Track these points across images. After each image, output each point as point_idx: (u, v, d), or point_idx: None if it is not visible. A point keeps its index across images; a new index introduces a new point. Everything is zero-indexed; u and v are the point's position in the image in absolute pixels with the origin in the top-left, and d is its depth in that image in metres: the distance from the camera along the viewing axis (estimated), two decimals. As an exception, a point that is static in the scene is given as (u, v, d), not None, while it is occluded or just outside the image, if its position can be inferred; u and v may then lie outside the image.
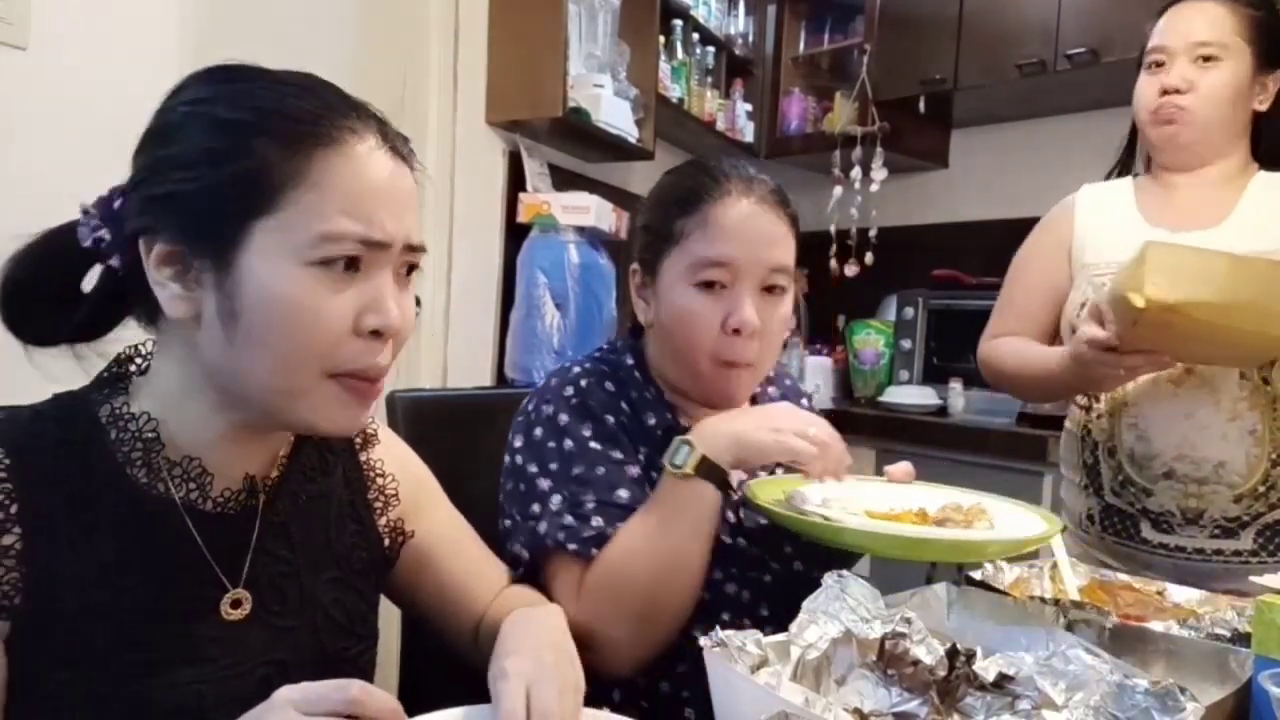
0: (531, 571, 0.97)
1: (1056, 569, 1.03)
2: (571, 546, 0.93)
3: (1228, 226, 1.30)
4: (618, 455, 0.99)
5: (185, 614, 0.68)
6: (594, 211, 2.21)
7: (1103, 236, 1.39)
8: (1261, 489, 1.23)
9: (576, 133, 2.29)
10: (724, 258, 0.98)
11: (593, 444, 0.98)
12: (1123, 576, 1.04)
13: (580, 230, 2.25)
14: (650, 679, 0.98)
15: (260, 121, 0.64)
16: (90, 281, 0.70)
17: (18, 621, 0.62)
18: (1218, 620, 0.88)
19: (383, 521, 0.85)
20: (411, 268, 0.71)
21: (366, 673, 0.80)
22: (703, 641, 0.67)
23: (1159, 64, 1.32)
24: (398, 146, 0.69)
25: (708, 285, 0.99)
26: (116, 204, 0.67)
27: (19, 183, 1.27)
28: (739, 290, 0.98)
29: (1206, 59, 1.28)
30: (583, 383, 1.03)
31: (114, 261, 0.68)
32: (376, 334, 0.67)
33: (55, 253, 0.69)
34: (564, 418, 1.00)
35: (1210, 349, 1.19)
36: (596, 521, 0.94)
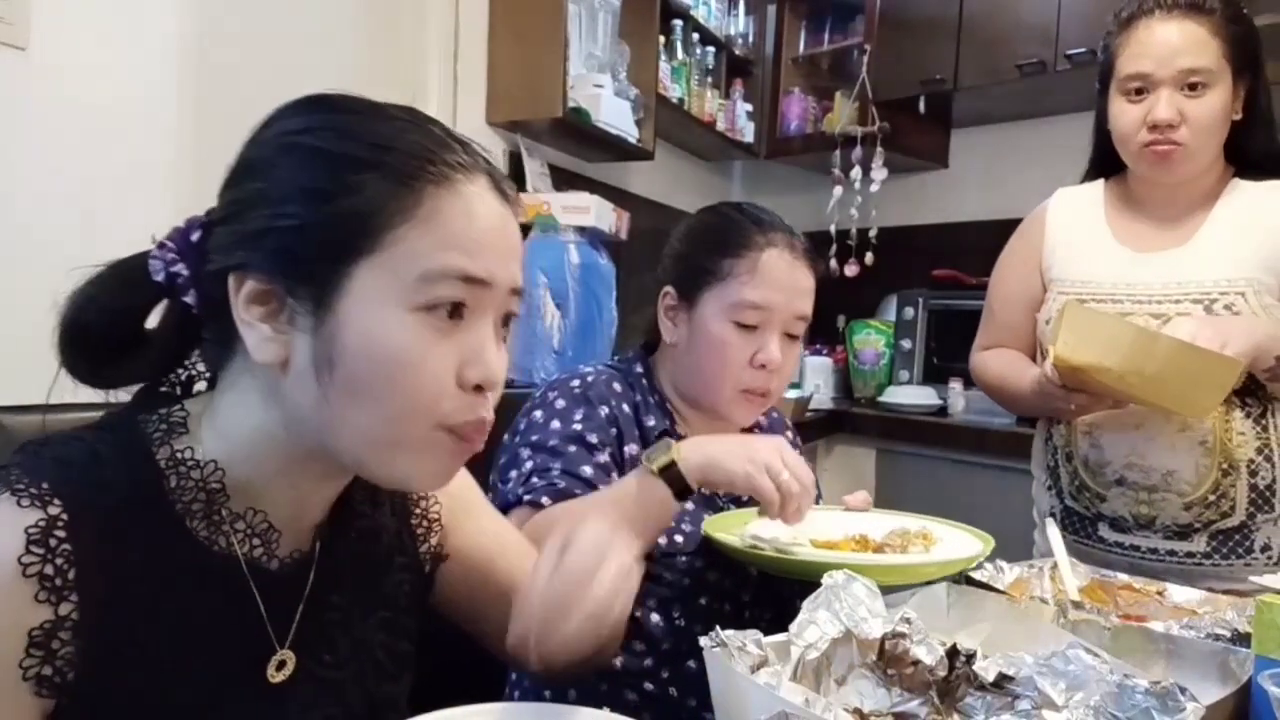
0: None
1: (1056, 569, 1.03)
2: (528, 497, 1.01)
3: (1192, 247, 1.30)
4: (594, 439, 1.07)
5: (235, 682, 0.63)
6: (594, 211, 2.21)
7: (1070, 252, 1.39)
8: (1212, 498, 1.25)
9: (576, 133, 2.29)
10: (766, 304, 1.10)
11: (576, 425, 1.07)
12: (1123, 576, 1.04)
13: (580, 230, 2.25)
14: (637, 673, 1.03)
15: (371, 156, 0.60)
16: (154, 319, 0.66)
17: (66, 699, 0.57)
18: (1218, 620, 0.88)
19: (424, 548, 0.80)
20: (509, 316, 0.67)
21: (399, 707, 0.74)
22: (703, 641, 0.67)
23: (1140, 91, 1.26)
24: (505, 190, 0.65)
25: (743, 324, 1.10)
26: (194, 236, 0.63)
27: (19, 183, 1.27)
28: (769, 331, 1.11)
29: (1193, 86, 1.23)
30: (590, 378, 1.13)
31: (188, 298, 0.63)
32: (478, 388, 0.63)
33: (123, 288, 0.64)
34: (561, 402, 1.10)
35: (1128, 400, 1.22)
36: (552, 481, 1.02)
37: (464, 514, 0.84)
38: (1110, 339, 1.11)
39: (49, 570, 0.56)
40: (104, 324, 0.63)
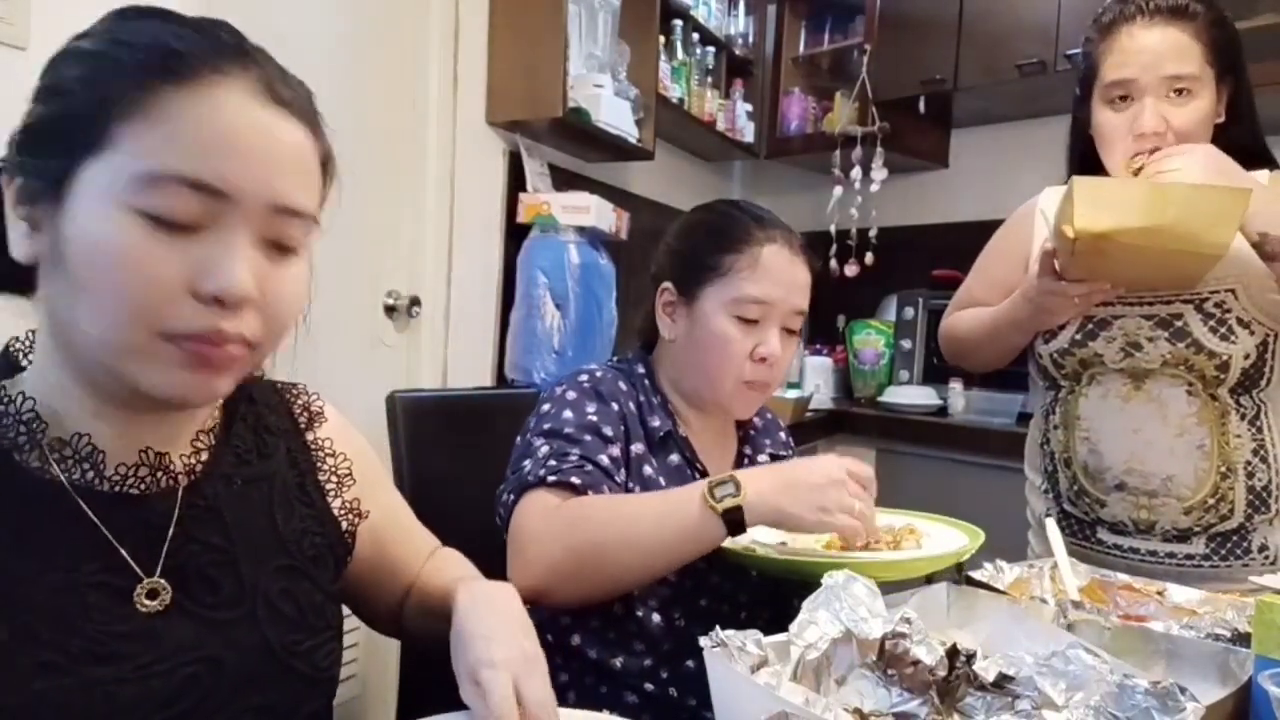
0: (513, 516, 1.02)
1: (1056, 569, 1.03)
2: (552, 479, 0.99)
3: None
4: (608, 432, 1.07)
5: (92, 607, 0.62)
6: (594, 211, 2.21)
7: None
8: (1211, 501, 1.24)
9: (576, 133, 2.29)
10: (767, 298, 1.11)
11: (591, 416, 1.08)
12: (1123, 576, 1.04)
13: (580, 230, 2.25)
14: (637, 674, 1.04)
15: (108, 50, 0.60)
16: None
17: None
18: (1218, 620, 0.88)
19: (337, 504, 0.81)
20: (288, 242, 0.63)
21: (325, 669, 0.74)
22: (703, 641, 0.67)
23: (1124, 98, 1.24)
24: (280, 92, 0.62)
25: (744, 319, 1.11)
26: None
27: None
28: (769, 326, 1.12)
29: (1178, 92, 1.22)
30: (599, 374, 1.15)
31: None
32: (220, 302, 0.60)
33: None
34: (572, 394, 1.11)
35: (1145, 273, 1.21)
36: (578, 464, 1.01)
37: (376, 480, 0.86)
38: (1125, 199, 1.12)
39: None
40: None
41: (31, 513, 0.62)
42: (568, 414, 1.07)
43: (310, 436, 0.81)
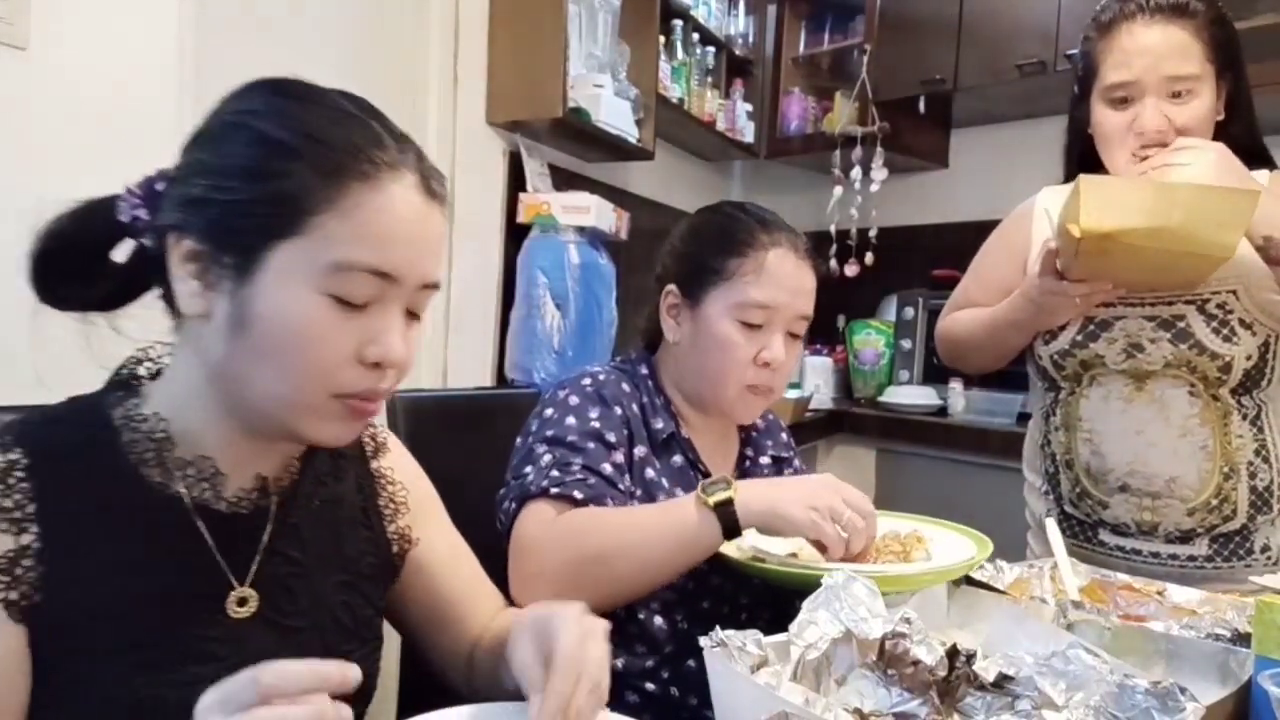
0: (514, 526, 1.02)
1: (1056, 569, 1.03)
2: (555, 490, 1.00)
3: None
4: (611, 438, 1.07)
5: (193, 613, 0.69)
6: (594, 211, 2.21)
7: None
8: (1214, 502, 1.24)
9: (576, 133, 2.29)
10: (771, 303, 1.10)
11: (594, 423, 1.07)
12: (1123, 576, 1.04)
13: (580, 230, 2.24)
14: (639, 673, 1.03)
15: (303, 146, 0.65)
16: (121, 254, 0.73)
17: (37, 620, 0.64)
18: (1218, 620, 0.88)
19: (392, 528, 0.86)
20: (420, 310, 0.73)
21: (370, 676, 0.81)
22: (703, 641, 0.67)
23: (1125, 99, 1.24)
24: (434, 187, 0.71)
25: (748, 323, 1.10)
26: (159, 187, 0.70)
27: (19, 183, 1.27)
28: (773, 330, 1.12)
29: (1178, 93, 1.21)
30: (601, 376, 1.14)
31: (146, 240, 0.70)
32: (377, 365, 0.69)
33: (93, 221, 0.71)
34: (575, 399, 1.10)
35: (1149, 274, 1.21)
36: (580, 476, 1.01)
37: (431, 513, 0.92)
38: (1131, 199, 1.10)
39: (8, 504, 0.64)
40: (68, 248, 0.71)
41: (149, 522, 0.68)
42: (571, 420, 1.07)
43: (375, 464, 0.88)
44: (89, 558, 0.66)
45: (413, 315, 0.72)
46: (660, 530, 0.95)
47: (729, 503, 0.93)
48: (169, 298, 0.71)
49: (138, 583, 0.67)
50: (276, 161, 0.65)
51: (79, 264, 0.71)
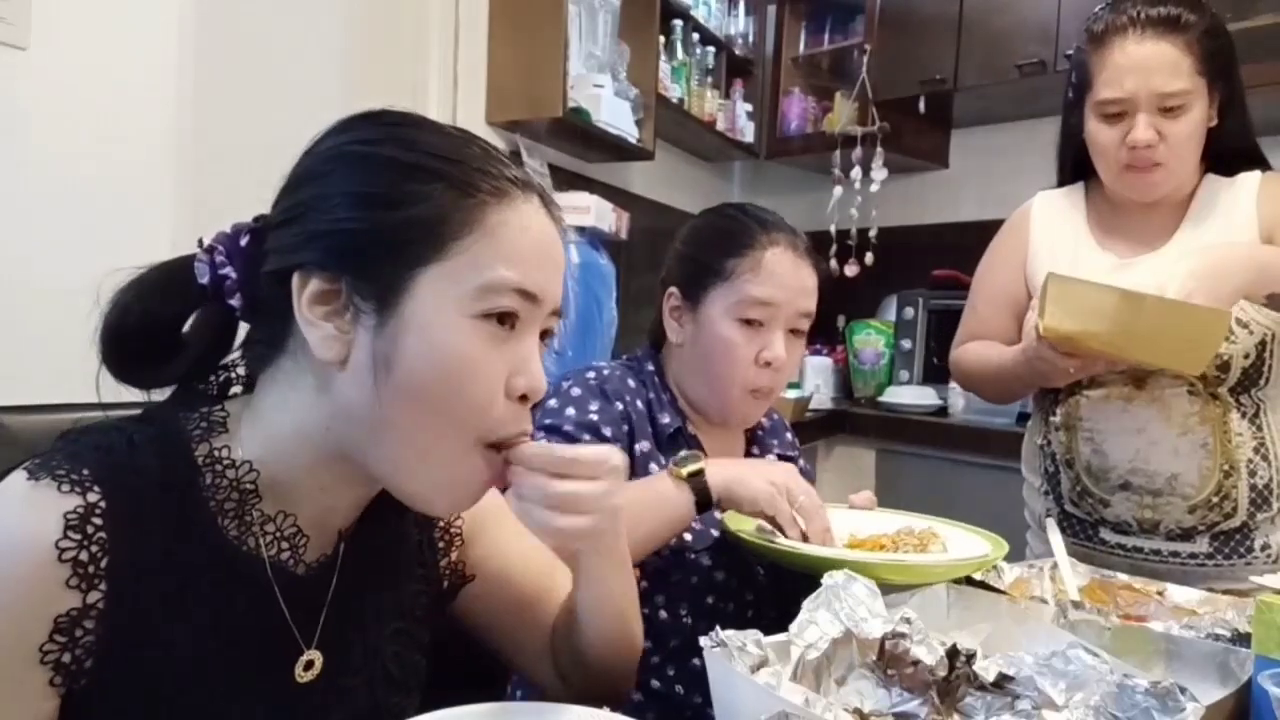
0: None
1: (1056, 569, 1.03)
2: None
3: (1173, 247, 1.31)
4: (607, 432, 1.07)
5: (260, 682, 0.64)
6: (594, 211, 2.21)
7: (1054, 255, 1.38)
8: (1215, 499, 1.25)
9: (576, 133, 2.29)
10: (771, 300, 1.10)
11: (592, 415, 1.08)
12: (1122, 576, 1.04)
13: (580, 230, 2.25)
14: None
15: (440, 167, 0.62)
16: (188, 324, 0.67)
17: (79, 686, 0.57)
18: (1218, 620, 0.88)
19: (444, 562, 0.80)
20: (547, 333, 0.69)
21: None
22: (703, 641, 0.67)
23: (1117, 115, 1.24)
24: (553, 210, 0.68)
25: (748, 321, 1.11)
26: (243, 241, 0.65)
27: (19, 182, 1.27)
28: (774, 329, 1.12)
29: (1171, 107, 1.22)
30: (606, 371, 1.15)
31: (234, 300, 0.65)
32: (523, 398, 0.65)
33: (167, 291, 0.65)
34: (577, 391, 1.11)
35: (1133, 360, 1.21)
36: None
37: (482, 528, 0.83)
38: (1096, 305, 1.10)
39: (84, 557, 0.57)
40: (145, 329, 0.64)
41: (217, 581, 0.62)
42: (570, 411, 1.08)
43: None
44: (153, 621, 0.59)
45: (540, 345, 0.67)
46: (642, 504, 0.96)
47: (700, 473, 0.99)
48: (264, 350, 0.66)
49: (202, 647, 0.61)
50: (412, 184, 0.61)
51: (153, 344, 0.65)
